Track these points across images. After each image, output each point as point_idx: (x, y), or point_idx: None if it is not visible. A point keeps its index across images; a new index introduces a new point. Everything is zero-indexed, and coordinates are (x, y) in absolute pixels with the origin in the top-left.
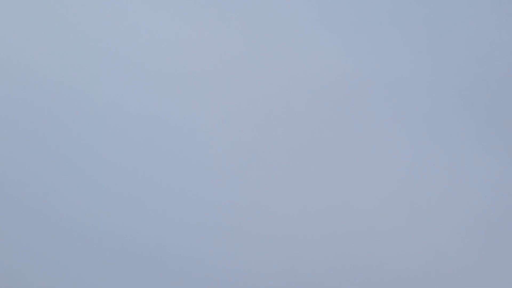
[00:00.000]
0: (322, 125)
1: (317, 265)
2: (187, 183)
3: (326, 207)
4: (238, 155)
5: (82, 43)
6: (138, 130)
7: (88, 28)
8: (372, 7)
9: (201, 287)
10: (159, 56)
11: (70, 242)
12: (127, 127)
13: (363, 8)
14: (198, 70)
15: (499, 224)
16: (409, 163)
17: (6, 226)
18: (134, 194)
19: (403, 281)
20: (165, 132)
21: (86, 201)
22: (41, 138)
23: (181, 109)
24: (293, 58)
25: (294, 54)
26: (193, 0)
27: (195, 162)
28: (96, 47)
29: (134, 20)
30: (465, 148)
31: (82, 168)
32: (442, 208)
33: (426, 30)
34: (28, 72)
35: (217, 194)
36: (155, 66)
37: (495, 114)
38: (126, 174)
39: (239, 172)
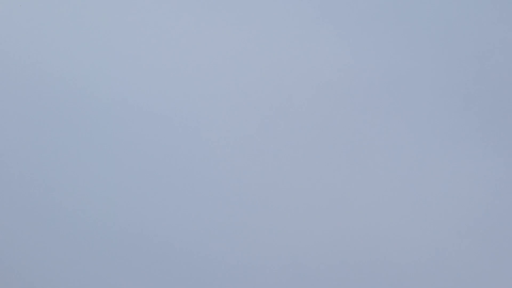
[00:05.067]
0: (325, 122)
1: (320, 261)
2: (191, 179)
3: (329, 203)
4: (241, 150)
5: (87, 41)
6: (141, 127)
7: (92, 26)
8: (375, 4)
9: (205, 282)
10: (163, 52)
11: (74, 238)
12: (130, 124)
13: (366, 5)
14: (202, 67)
15: (501, 221)
16: (412, 160)
17: (9, 223)
18: (137, 191)
19: (406, 277)
20: (169, 128)
21: (90, 197)
22: (46, 135)
23: (185, 105)
24: (296, 55)
25: (297, 50)
26: None
27: (199, 158)
28: (101, 44)
29: (137, 18)
30: (468, 146)
31: (87, 164)
32: (445, 205)
33: (429, 28)
34: (32, 70)
35: (221, 190)
36: (159, 63)
37: (498, 112)
38: (130, 171)
39: (243, 167)
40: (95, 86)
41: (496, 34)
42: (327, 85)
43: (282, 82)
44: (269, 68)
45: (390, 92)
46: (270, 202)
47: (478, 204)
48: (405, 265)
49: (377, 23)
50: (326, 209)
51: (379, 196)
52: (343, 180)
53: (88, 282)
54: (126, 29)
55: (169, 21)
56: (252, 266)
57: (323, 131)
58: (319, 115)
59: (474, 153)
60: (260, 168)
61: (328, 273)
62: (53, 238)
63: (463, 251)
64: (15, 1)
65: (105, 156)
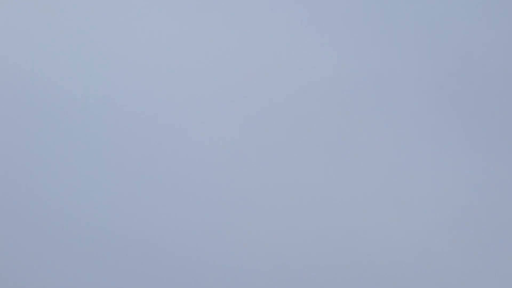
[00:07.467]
0: (310, 123)
1: (307, 261)
2: (176, 179)
3: (314, 204)
4: (226, 151)
5: (76, 41)
6: (127, 127)
7: (81, 26)
8: (361, 6)
9: (190, 283)
10: (148, 53)
11: (64, 240)
12: (117, 124)
13: (352, 7)
14: (187, 67)
15: (486, 220)
16: (397, 160)
17: (3, 227)
18: (123, 191)
19: (392, 277)
20: (154, 129)
21: (78, 198)
22: (37, 137)
23: (170, 106)
24: (282, 56)
25: (282, 52)
26: None
27: (184, 158)
28: (88, 45)
29: (125, 18)
30: (453, 145)
31: (79, 166)
32: (430, 204)
33: (414, 30)
34: (22, 71)
35: (207, 190)
36: (145, 64)
37: (482, 113)
38: (116, 171)
39: (228, 168)
40: (86, 88)
41: (480, 35)
42: (313, 85)
43: (268, 84)
44: (255, 69)
45: (375, 92)
46: (256, 203)
47: (463, 203)
48: (391, 265)
49: (362, 24)
50: (312, 210)
51: (365, 196)
52: (329, 181)
53: (81, 284)
54: (113, 29)
55: (155, 23)
56: (237, 267)
57: (309, 131)
58: (305, 116)
59: (459, 153)
60: (245, 169)
61: (314, 274)
62: (46, 242)
63: (448, 250)
64: (5, 3)
65: (96, 158)
